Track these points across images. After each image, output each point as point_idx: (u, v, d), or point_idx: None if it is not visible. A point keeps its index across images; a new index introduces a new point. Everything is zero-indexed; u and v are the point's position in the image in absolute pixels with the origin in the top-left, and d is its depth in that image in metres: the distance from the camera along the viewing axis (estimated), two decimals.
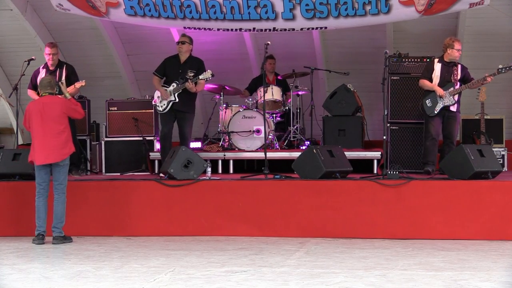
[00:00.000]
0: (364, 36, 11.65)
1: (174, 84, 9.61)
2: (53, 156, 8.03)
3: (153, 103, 9.97)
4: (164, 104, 9.67)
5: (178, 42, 9.86)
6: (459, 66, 9.38)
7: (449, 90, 9.22)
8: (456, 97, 9.24)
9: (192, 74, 9.56)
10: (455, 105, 9.28)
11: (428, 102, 9.29)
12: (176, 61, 9.78)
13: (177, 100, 9.59)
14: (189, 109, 9.72)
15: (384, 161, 9.64)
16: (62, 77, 9.81)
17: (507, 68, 9.02)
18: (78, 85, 9.49)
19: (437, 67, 9.35)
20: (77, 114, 8.42)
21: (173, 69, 9.75)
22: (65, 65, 9.98)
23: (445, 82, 9.28)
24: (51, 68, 9.89)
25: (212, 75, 9.54)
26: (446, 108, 9.24)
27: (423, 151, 9.51)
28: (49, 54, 9.82)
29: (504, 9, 10.63)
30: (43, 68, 9.99)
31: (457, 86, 9.25)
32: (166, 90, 9.66)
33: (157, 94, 9.81)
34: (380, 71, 9.48)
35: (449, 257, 6.99)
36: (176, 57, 9.82)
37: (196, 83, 9.54)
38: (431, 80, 9.35)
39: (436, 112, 9.23)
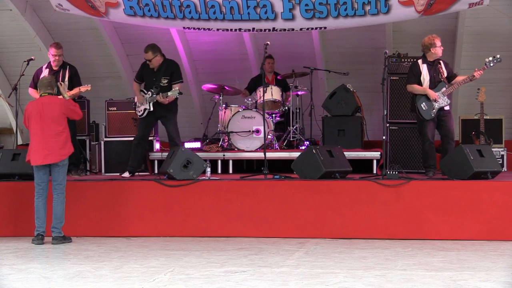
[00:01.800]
0: (363, 36, 11.66)
1: (150, 93, 9.74)
2: (52, 156, 8.03)
3: (134, 105, 10.12)
4: (141, 110, 9.83)
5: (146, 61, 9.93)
6: (442, 63, 9.23)
7: (442, 90, 9.06)
8: (448, 95, 9.12)
9: (165, 81, 9.69)
10: (448, 104, 9.15)
11: (423, 106, 9.08)
12: (151, 68, 9.84)
13: (151, 109, 9.73)
14: (169, 112, 9.80)
15: (384, 161, 9.64)
16: (65, 78, 9.81)
17: (495, 61, 8.87)
18: (83, 89, 9.49)
19: (424, 69, 9.15)
20: (76, 115, 8.41)
21: (148, 76, 9.88)
22: (68, 66, 9.96)
23: (436, 83, 9.10)
24: (54, 68, 9.88)
25: (180, 93, 9.68)
26: (439, 109, 9.08)
27: (422, 155, 9.42)
28: (55, 55, 9.81)
29: (503, 9, 10.64)
30: (46, 67, 9.97)
31: (448, 85, 9.09)
32: (143, 96, 9.80)
33: (136, 98, 10.01)
34: (380, 71, 9.49)
35: (449, 257, 6.99)
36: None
37: (166, 89, 9.68)
38: (419, 84, 9.15)
39: (433, 115, 9.05)
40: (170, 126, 9.82)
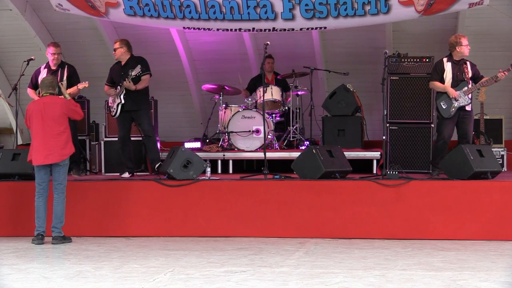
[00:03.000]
0: (363, 36, 11.66)
1: (118, 87, 9.67)
2: (53, 156, 8.03)
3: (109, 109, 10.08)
4: (115, 109, 9.75)
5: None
6: (468, 63, 9.16)
7: (463, 89, 8.98)
8: (470, 95, 9.04)
9: (133, 72, 9.53)
10: (470, 104, 9.07)
11: (443, 104, 9.02)
12: (119, 65, 9.83)
13: (123, 101, 9.64)
14: (141, 106, 9.70)
15: (384, 161, 9.64)
16: (64, 78, 9.81)
17: None
18: (81, 86, 9.49)
19: (448, 67, 9.08)
20: (77, 115, 8.41)
21: (116, 73, 9.81)
22: (66, 66, 9.97)
23: (458, 82, 9.03)
24: (53, 68, 9.88)
25: (141, 70, 9.48)
26: (461, 108, 9.02)
27: (432, 152, 9.44)
28: (53, 54, 9.82)
29: (503, 9, 10.64)
30: (44, 67, 9.98)
31: (470, 85, 9.02)
32: (115, 93, 9.72)
33: (110, 100, 9.92)
34: (380, 71, 9.49)
35: (449, 257, 6.99)
36: (119, 62, 9.86)
37: (134, 81, 9.52)
38: (442, 81, 9.10)
39: (452, 113, 8.98)
40: (143, 122, 9.70)
